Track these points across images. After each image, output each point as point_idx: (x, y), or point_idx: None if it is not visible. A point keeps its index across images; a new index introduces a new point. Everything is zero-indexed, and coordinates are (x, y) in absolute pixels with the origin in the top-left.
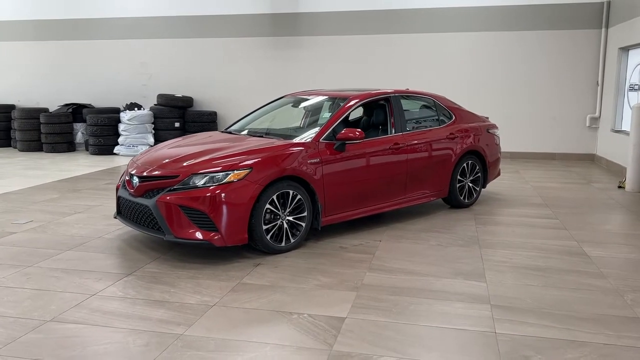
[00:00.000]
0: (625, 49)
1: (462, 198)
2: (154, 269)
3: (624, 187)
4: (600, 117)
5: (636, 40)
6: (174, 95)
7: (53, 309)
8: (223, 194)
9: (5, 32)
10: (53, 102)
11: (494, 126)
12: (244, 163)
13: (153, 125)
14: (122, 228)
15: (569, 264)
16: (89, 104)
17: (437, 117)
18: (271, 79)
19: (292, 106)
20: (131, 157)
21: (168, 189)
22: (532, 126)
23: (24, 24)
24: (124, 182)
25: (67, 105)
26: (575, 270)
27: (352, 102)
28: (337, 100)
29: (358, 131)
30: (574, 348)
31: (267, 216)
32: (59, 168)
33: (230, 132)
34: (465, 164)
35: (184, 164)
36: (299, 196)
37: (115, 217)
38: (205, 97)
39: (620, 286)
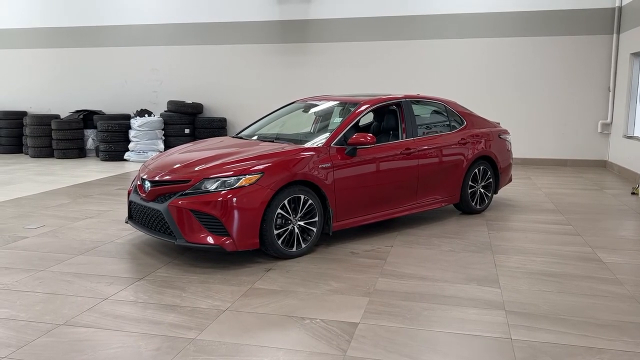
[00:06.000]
0: (637, 55)
1: (473, 204)
2: (165, 273)
3: (637, 194)
4: (612, 123)
5: None
6: (184, 101)
7: (65, 313)
8: (234, 199)
9: (17, 39)
10: (64, 109)
11: (506, 132)
12: (256, 168)
13: (163, 132)
14: (133, 233)
15: (584, 270)
16: (100, 111)
17: (448, 123)
18: (281, 85)
19: (303, 111)
20: (141, 163)
21: (180, 193)
22: (543, 132)
23: (36, 31)
24: (136, 187)
25: (78, 111)
26: (591, 276)
27: (363, 107)
28: (347, 106)
29: (369, 136)
30: (592, 355)
31: (278, 221)
32: (70, 174)
33: (241, 137)
34: (476, 170)
35: (196, 169)
36: (310, 201)
37: (126, 222)
38: (215, 104)
39: (637, 293)
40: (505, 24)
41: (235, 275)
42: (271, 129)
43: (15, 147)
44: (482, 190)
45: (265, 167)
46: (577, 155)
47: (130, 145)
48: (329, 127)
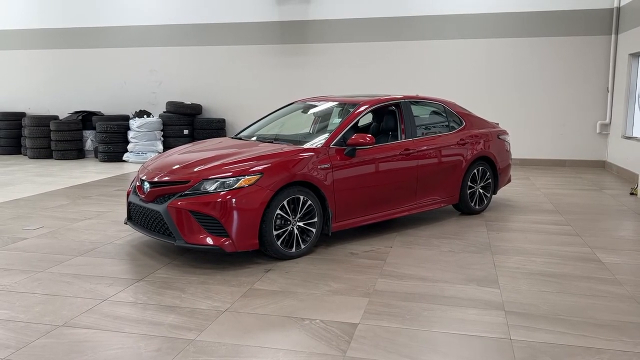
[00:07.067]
0: (636, 55)
1: (472, 204)
2: (165, 274)
3: (636, 194)
4: (610, 123)
5: None
6: (182, 102)
7: (64, 314)
8: (234, 200)
9: (15, 40)
10: (63, 110)
11: (505, 132)
12: (255, 168)
13: (162, 133)
14: (132, 234)
15: (583, 270)
16: (99, 112)
17: (447, 123)
18: (280, 86)
19: (302, 112)
20: (140, 164)
21: (179, 194)
22: (542, 132)
23: (34, 32)
24: (135, 188)
25: (76, 112)
26: (590, 276)
27: (362, 108)
28: (347, 106)
29: (369, 136)
30: (591, 355)
31: (278, 222)
32: (69, 175)
33: (240, 138)
34: (475, 170)
35: (195, 170)
36: (309, 202)
37: (125, 223)
38: (214, 104)
39: (636, 293)
40: (505, 25)
41: (234, 276)
42: (270, 130)
43: (14, 148)
44: (481, 191)
45: (265, 167)
46: (575, 156)
47: (129, 146)
48: (328, 128)
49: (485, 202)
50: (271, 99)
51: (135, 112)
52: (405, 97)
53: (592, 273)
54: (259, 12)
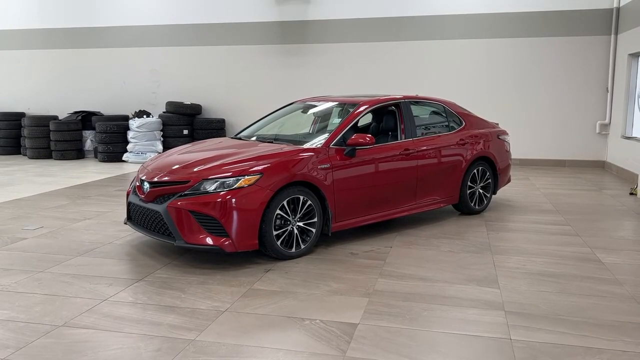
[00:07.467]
0: (635, 55)
1: (472, 204)
2: (165, 274)
3: (635, 194)
4: (610, 123)
5: None
6: (182, 102)
7: (64, 314)
8: (234, 200)
9: (15, 40)
10: (63, 110)
11: (505, 132)
12: (255, 168)
13: (162, 133)
14: (132, 234)
15: (583, 270)
16: (98, 112)
17: (447, 123)
18: (280, 86)
19: (302, 112)
20: (140, 164)
21: (179, 194)
22: (541, 133)
23: (34, 32)
24: (135, 188)
25: (76, 112)
26: (590, 276)
27: (362, 108)
28: (346, 106)
29: (369, 137)
30: (591, 355)
31: (278, 222)
32: (69, 175)
33: (240, 138)
34: (475, 170)
35: (195, 170)
36: (309, 202)
37: (125, 223)
38: (213, 105)
39: (636, 293)
40: (504, 25)
41: (234, 276)
42: (270, 130)
43: (14, 148)
44: (481, 191)
45: (264, 167)
46: (575, 156)
47: (129, 147)
48: (328, 128)
49: (485, 202)
50: (271, 99)
51: (135, 112)
52: (405, 97)
53: (592, 273)
54: (259, 12)
